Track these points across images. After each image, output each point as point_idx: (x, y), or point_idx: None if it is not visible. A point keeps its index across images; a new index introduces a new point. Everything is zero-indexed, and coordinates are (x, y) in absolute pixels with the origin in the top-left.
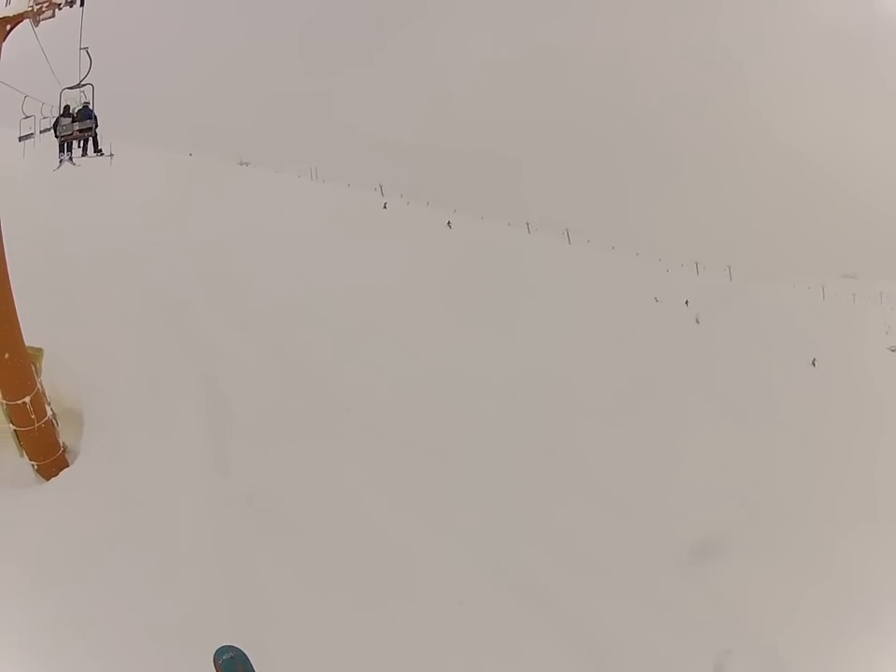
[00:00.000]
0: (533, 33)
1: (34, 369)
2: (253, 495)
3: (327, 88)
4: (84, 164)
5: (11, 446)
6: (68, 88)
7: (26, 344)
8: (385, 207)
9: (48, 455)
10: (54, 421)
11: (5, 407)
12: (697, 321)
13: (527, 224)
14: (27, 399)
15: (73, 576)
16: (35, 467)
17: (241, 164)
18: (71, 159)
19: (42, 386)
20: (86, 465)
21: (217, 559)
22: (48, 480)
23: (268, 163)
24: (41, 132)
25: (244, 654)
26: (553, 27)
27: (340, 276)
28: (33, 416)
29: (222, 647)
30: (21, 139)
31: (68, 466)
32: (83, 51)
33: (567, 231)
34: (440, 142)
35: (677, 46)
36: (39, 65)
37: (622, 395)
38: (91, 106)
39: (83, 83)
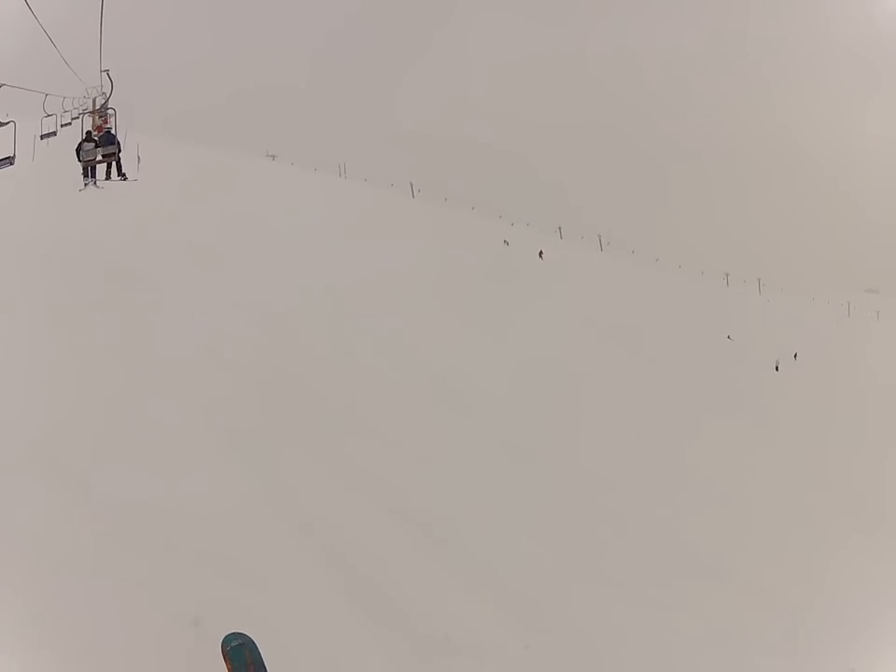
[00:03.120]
0: (570, 39)
1: None
2: (253, 492)
3: (359, 87)
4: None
5: None
6: (89, 112)
7: None
8: (506, 243)
9: None
10: None
11: None
12: (728, 337)
13: (559, 229)
14: None
15: (74, 566)
16: None
17: (268, 157)
18: (95, 182)
19: None
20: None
21: (224, 548)
22: None
23: (296, 157)
24: (62, 125)
25: (252, 642)
26: (588, 34)
27: (365, 272)
28: None
29: (230, 634)
30: (43, 137)
31: None
32: (104, 73)
33: (600, 237)
34: (471, 143)
35: (710, 60)
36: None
37: (638, 402)
38: (114, 131)
39: (107, 107)
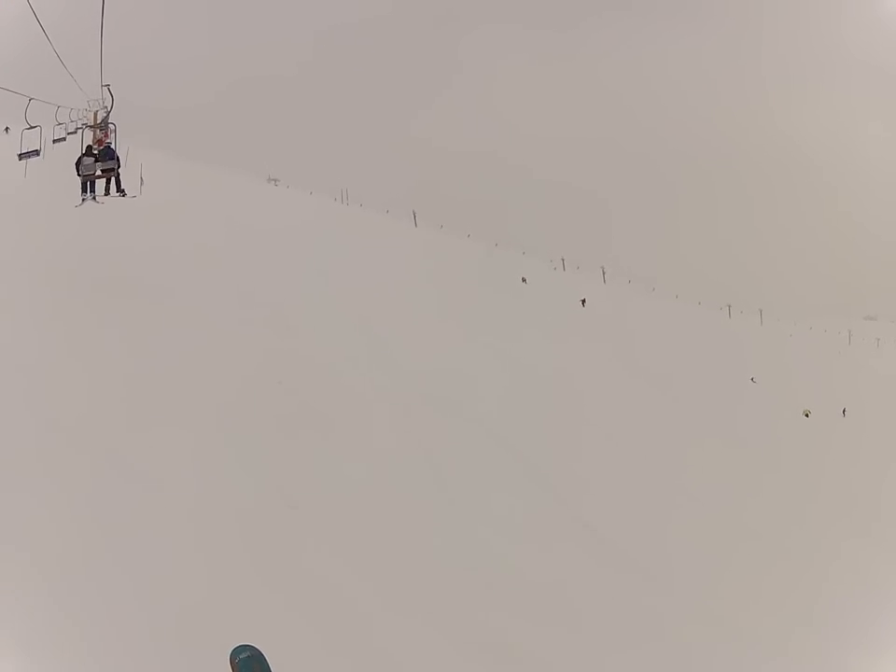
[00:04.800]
0: (591, 71)
1: None
2: (257, 491)
3: (365, 113)
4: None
5: None
6: (90, 126)
7: None
8: (524, 281)
9: None
10: None
11: None
12: (753, 380)
13: (562, 260)
14: None
15: (80, 570)
16: None
17: (269, 181)
18: (94, 198)
19: None
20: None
21: (225, 548)
22: None
23: (297, 182)
24: (69, 133)
25: (261, 654)
26: (600, 55)
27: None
28: None
29: (239, 646)
30: (55, 142)
31: None
32: (105, 88)
33: (603, 269)
34: (480, 173)
35: (717, 91)
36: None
37: (636, 425)
38: (114, 146)
39: (108, 121)
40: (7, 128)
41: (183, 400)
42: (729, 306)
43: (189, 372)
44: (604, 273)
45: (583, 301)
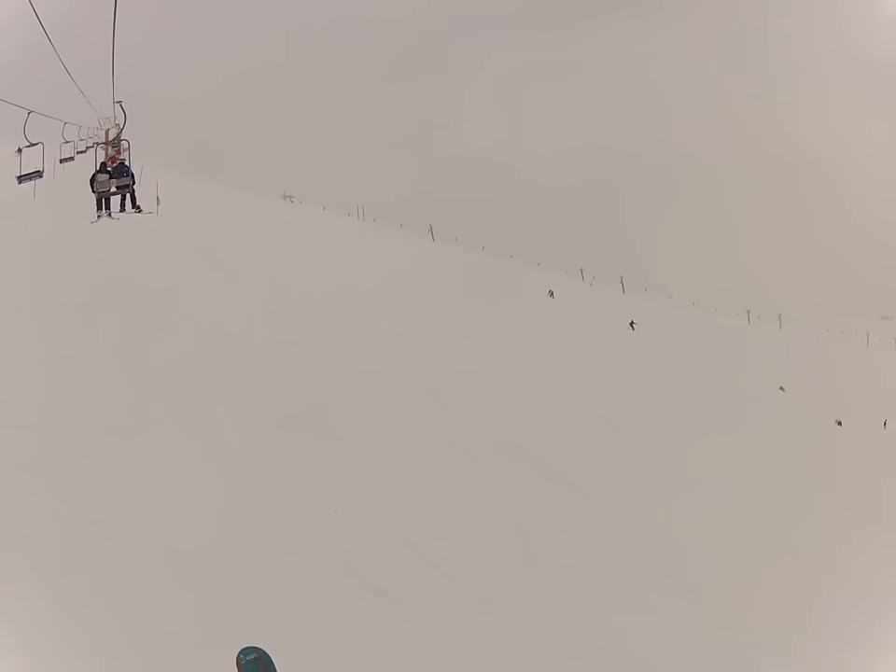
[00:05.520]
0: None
1: None
2: (258, 491)
3: (381, 130)
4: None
5: None
6: (102, 144)
7: None
8: (551, 296)
9: None
10: None
11: None
12: (782, 389)
13: (581, 271)
14: None
15: (80, 570)
16: None
17: (284, 198)
18: (110, 214)
19: None
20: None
21: (234, 557)
22: None
23: (313, 199)
24: (78, 152)
25: (267, 655)
26: (612, 67)
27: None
28: None
29: (246, 647)
30: (62, 161)
31: None
32: (117, 105)
33: (622, 278)
34: (493, 192)
35: (728, 98)
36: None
37: (655, 429)
38: (127, 163)
39: (120, 138)
40: (19, 148)
41: (186, 403)
42: (748, 312)
43: (196, 378)
44: (623, 284)
45: (632, 324)
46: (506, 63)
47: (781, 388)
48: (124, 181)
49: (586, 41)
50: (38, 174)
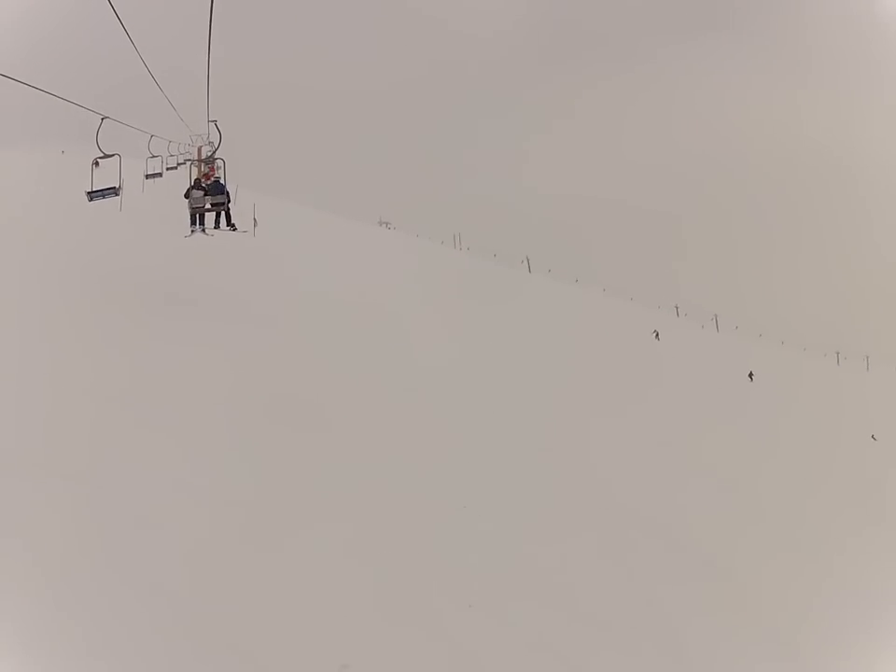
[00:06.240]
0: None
1: None
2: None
3: (477, 157)
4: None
5: None
6: (196, 161)
7: None
8: (657, 337)
9: None
10: None
11: None
12: (874, 438)
13: (677, 307)
14: None
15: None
16: None
17: (381, 224)
18: (204, 230)
19: None
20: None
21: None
22: None
23: (408, 226)
24: (168, 168)
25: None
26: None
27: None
28: None
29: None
30: (147, 177)
31: None
32: (212, 124)
33: (716, 317)
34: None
35: (791, 138)
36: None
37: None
38: (223, 181)
39: (214, 157)
40: (96, 160)
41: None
42: (837, 353)
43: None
44: (717, 323)
45: (751, 375)
46: (597, 95)
47: (873, 437)
48: (219, 199)
49: (643, 66)
50: (114, 191)
